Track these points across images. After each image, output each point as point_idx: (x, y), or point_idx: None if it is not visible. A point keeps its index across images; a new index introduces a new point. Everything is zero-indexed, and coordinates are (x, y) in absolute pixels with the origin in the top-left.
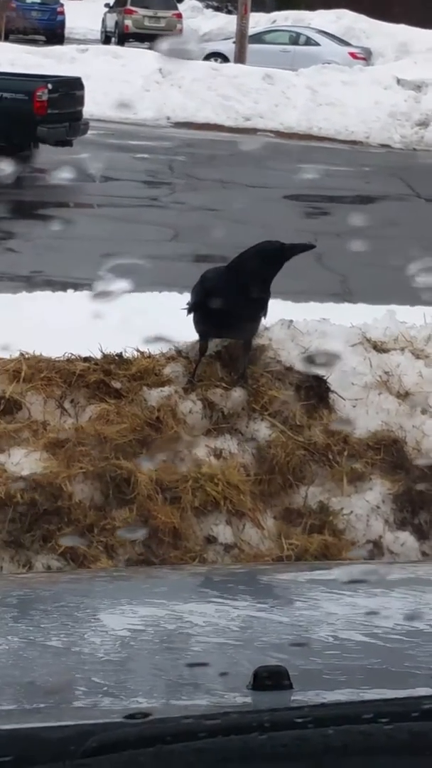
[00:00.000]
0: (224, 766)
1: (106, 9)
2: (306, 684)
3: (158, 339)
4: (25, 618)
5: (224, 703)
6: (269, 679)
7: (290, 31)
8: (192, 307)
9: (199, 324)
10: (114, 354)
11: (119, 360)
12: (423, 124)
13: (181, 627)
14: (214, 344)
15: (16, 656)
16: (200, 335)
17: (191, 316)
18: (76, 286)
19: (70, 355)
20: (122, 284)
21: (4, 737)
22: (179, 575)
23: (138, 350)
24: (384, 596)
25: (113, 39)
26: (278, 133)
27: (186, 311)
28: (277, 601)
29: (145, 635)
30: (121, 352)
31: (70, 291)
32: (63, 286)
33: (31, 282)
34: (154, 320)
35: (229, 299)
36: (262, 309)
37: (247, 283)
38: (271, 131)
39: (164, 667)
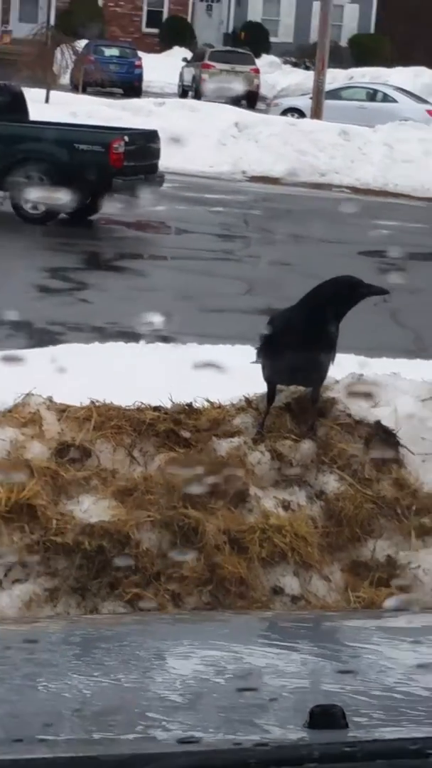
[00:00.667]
0: None
1: (184, 63)
2: (361, 723)
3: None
4: (86, 656)
5: (279, 738)
6: (324, 717)
7: (367, 88)
8: (259, 351)
9: (266, 369)
10: (184, 404)
11: (189, 410)
12: None
13: (239, 667)
14: (283, 396)
15: (76, 690)
16: (268, 382)
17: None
18: (148, 338)
19: (140, 404)
20: (195, 336)
21: (63, 764)
22: (242, 619)
23: (208, 400)
24: None
25: (190, 93)
26: (354, 189)
27: (255, 359)
28: (338, 646)
29: (204, 674)
30: (190, 402)
31: (142, 342)
32: (135, 337)
33: (104, 332)
34: (227, 373)
35: (295, 334)
36: (330, 350)
37: (316, 315)
38: (346, 187)
39: (221, 704)
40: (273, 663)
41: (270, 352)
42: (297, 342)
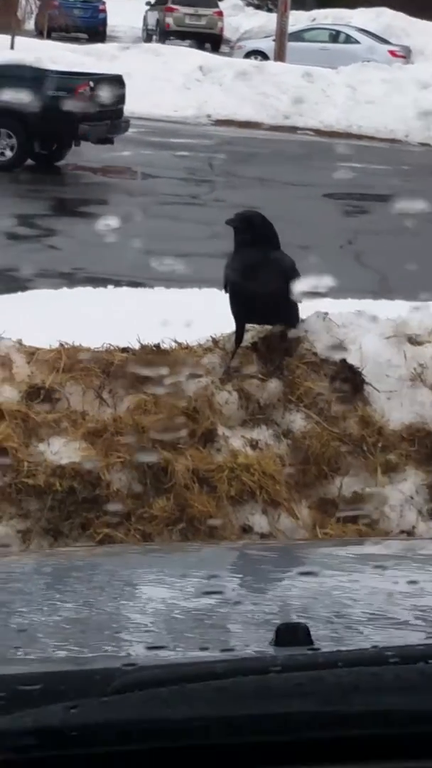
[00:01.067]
0: (243, 703)
1: (147, 7)
2: (326, 641)
3: (190, 328)
4: (59, 583)
5: (246, 654)
6: (290, 634)
7: (330, 29)
8: (225, 286)
9: (232, 306)
10: (152, 345)
11: (157, 351)
12: None
13: (208, 591)
14: (250, 336)
15: (48, 614)
16: (235, 319)
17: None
18: (116, 282)
19: (108, 345)
20: (161, 280)
21: (36, 676)
22: (212, 549)
23: (175, 341)
24: (417, 569)
25: (154, 37)
26: (318, 132)
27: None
28: (305, 570)
29: (174, 599)
30: (158, 343)
31: (110, 287)
32: (103, 282)
33: (72, 278)
34: (192, 314)
35: (245, 273)
36: (285, 283)
37: (253, 251)
38: (310, 129)
39: (189, 625)
40: (241, 587)
41: (231, 292)
42: (249, 280)
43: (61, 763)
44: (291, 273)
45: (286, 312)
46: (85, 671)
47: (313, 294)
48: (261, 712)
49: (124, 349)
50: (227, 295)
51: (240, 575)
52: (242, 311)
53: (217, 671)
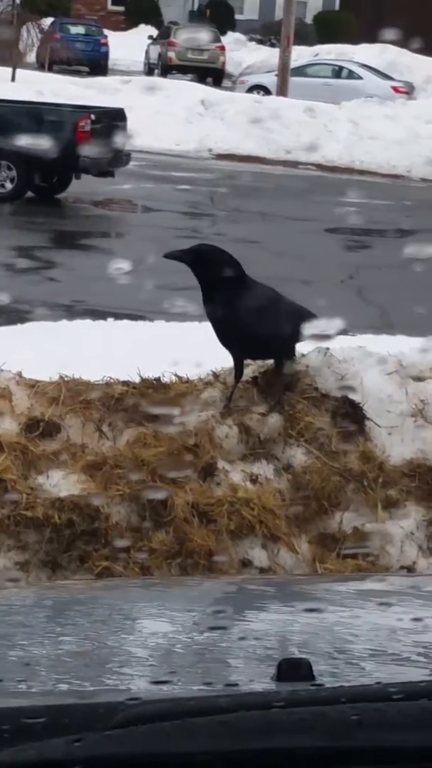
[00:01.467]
0: (246, 738)
1: (150, 41)
2: (328, 676)
3: (197, 366)
4: (60, 617)
5: (248, 689)
6: (292, 669)
7: (333, 65)
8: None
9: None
10: (152, 378)
11: (157, 384)
12: None
13: (209, 626)
14: (250, 370)
15: (50, 647)
16: (233, 357)
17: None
18: (116, 316)
19: (108, 378)
20: (162, 314)
21: (39, 710)
22: (212, 583)
23: (176, 375)
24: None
25: (156, 71)
26: (320, 166)
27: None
28: (306, 605)
29: (175, 633)
30: (159, 377)
31: (110, 320)
32: (103, 315)
33: (72, 311)
34: (193, 348)
35: (216, 310)
36: (263, 315)
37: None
38: (312, 164)
39: (191, 660)
40: (242, 622)
41: (214, 325)
42: (221, 318)
43: None
44: (267, 304)
45: (273, 346)
46: (88, 704)
47: (320, 336)
48: (264, 746)
49: (125, 383)
50: None
51: (241, 610)
52: (228, 348)
53: (220, 706)
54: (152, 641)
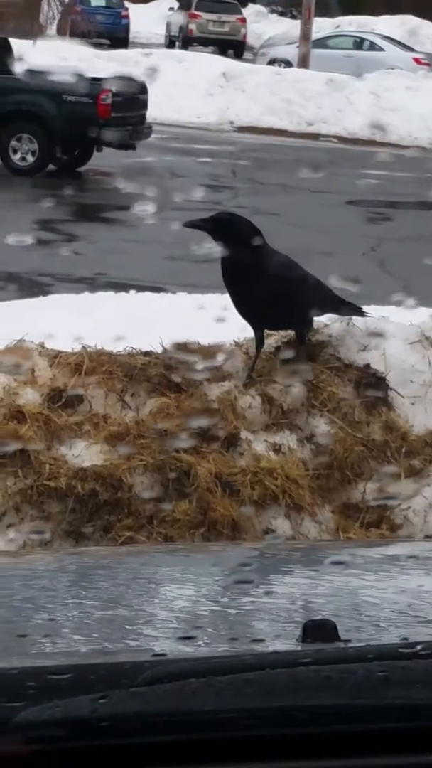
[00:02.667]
0: (271, 696)
1: (171, 13)
2: (353, 638)
3: (218, 335)
4: (84, 581)
5: (274, 650)
6: (317, 631)
7: (354, 36)
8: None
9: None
10: (175, 348)
11: (180, 354)
12: None
13: (233, 589)
14: (273, 340)
15: (75, 610)
16: (252, 328)
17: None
18: (138, 288)
19: (131, 349)
20: (183, 285)
21: (65, 668)
22: (237, 548)
23: (199, 344)
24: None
25: (177, 43)
26: (341, 139)
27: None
28: (330, 569)
29: (199, 596)
30: (181, 346)
31: (132, 292)
32: (125, 287)
33: (94, 283)
34: (214, 319)
35: (234, 279)
36: (280, 285)
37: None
38: (334, 136)
39: (216, 622)
40: (266, 585)
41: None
42: (239, 286)
43: (90, 754)
44: (286, 273)
45: (289, 316)
46: (113, 663)
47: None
48: (290, 704)
49: (147, 353)
50: None
51: (265, 573)
52: (246, 318)
53: (245, 664)
54: (176, 604)
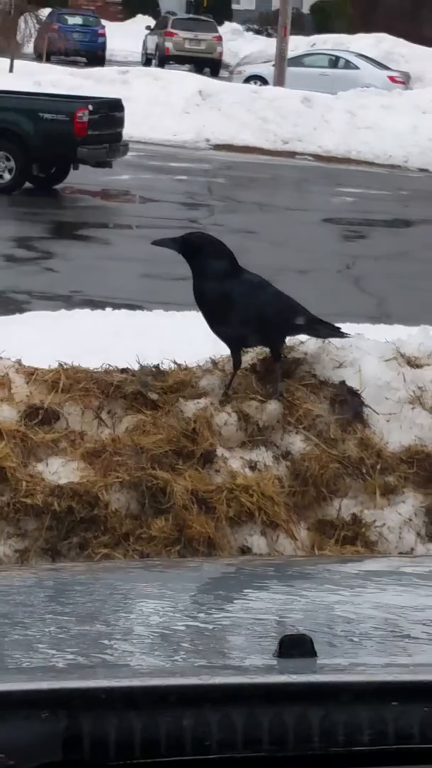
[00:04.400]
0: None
1: (147, 31)
2: (329, 653)
3: (195, 354)
4: (61, 596)
5: (249, 666)
6: (294, 646)
7: (330, 55)
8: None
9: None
10: (151, 366)
11: (156, 372)
12: None
13: (209, 605)
14: (249, 357)
15: (51, 626)
16: (228, 346)
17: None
18: (115, 305)
19: (107, 366)
20: (160, 303)
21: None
22: (212, 564)
23: (175, 362)
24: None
25: (154, 61)
26: (317, 157)
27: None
28: (306, 584)
29: (175, 611)
30: (158, 364)
31: (108, 309)
32: (101, 305)
33: (71, 301)
34: (190, 337)
35: (207, 302)
36: (252, 306)
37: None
38: (309, 154)
39: (191, 638)
40: (242, 601)
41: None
42: (210, 308)
43: None
44: (257, 294)
45: (262, 335)
46: (89, 681)
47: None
48: (267, 717)
49: (123, 370)
50: None
51: (241, 589)
52: (217, 335)
53: (222, 682)
54: (153, 619)
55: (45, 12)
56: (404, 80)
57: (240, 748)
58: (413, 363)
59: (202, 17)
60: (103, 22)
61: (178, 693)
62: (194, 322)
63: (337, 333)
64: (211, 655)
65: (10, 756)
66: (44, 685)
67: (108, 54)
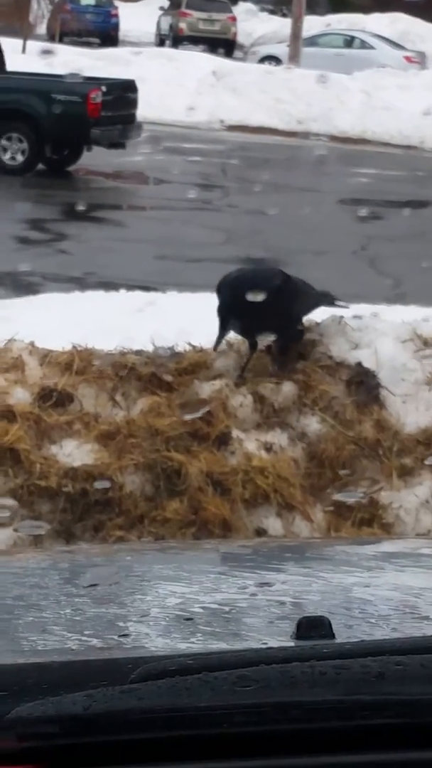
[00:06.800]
0: (266, 692)
1: (161, 12)
2: (348, 634)
3: (210, 335)
4: (76, 578)
5: (268, 646)
6: (311, 627)
7: (345, 35)
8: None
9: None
10: (166, 347)
11: (171, 354)
12: None
13: (226, 586)
14: (264, 339)
15: (67, 607)
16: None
17: None
18: (129, 287)
19: (122, 348)
20: (174, 285)
21: (58, 665)
22: (229, 546)
23: (190, 344)
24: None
25: (167, 42)
26: (332, 137)
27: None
28: (324, 566)
29: (192, 593)
30: (173, 346)
31: (122, 291)
32: (115, 287)
33: (84, 283)
34: (205, 318)
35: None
36: (267, 296)
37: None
38: (324, 135)
39: (208, 618)
40: (260, 582)
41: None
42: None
43: (84, 751)
44: (273, 285)
45: (277, 326)
46: (107, 660)
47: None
48: (285, 700)
49: (138, 352)
50: None
51: (258, 571)
52: (236, 331)
53: (240, 660)
54: (169, 601)
55: None
56: (420, 60)
57: (258, 725)
58: (430, 344)
59: None
60: (116, 2)
61: (194, 671)
62: (209, 303)
63: (336, 304)
64: (228, 638)
65: (23, 737)
66: (59, 660)
67: (121, 35)
